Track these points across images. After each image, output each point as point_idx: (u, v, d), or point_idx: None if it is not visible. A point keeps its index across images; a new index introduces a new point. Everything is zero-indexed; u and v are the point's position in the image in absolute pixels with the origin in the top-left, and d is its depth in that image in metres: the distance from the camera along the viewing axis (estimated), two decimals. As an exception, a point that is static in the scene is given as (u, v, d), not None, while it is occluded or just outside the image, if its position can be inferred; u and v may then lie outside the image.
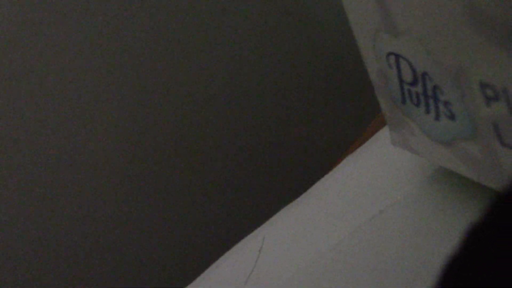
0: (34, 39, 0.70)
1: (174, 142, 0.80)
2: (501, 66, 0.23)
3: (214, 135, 0.82)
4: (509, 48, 0.22)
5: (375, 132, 0.56)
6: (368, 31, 0.30)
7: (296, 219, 0.38)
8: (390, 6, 0.27)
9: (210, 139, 0.82)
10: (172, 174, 0.80)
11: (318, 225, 0.36)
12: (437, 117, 0.29)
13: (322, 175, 0.85)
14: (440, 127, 0.29)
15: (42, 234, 0.75)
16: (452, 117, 0.28)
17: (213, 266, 0.39)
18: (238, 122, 0.83)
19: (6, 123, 0.70)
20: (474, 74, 0.25)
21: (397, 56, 0.29)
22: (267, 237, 0.38)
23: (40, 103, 0.71)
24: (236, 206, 0.86)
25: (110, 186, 0.78)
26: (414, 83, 0.29)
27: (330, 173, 0.40)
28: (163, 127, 0.79)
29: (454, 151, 0.29)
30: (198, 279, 0.39)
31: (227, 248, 0.80)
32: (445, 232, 0.31)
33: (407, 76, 0.29)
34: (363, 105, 0.91)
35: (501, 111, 0.25)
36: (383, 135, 0.39)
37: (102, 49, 0.74)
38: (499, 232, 0.22)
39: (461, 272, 0.21)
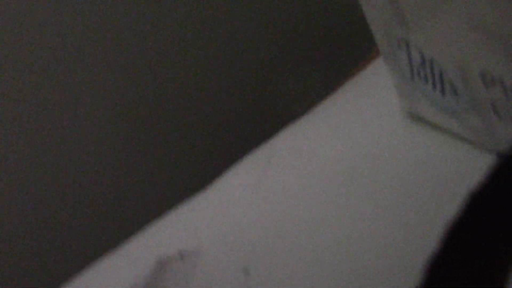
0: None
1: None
2: (498, 62, 0.29)
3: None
4: (506, 49, 0.28)
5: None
6: (381, 22, 0.35)
7: (303, 135, 0.42)
8: (401, 4, 0.32)
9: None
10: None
11: (323, 142, 0.41)
12: (443, 94, 0.34)
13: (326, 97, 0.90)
14: (446, 101, 0.34)
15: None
16: (456, 93, 0.33)
17: (222, 177, 0.43)
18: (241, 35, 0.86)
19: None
20: (475, 65, 0.30)
21: (407, 42, 0.34)
22: (274, 149, 0.42)
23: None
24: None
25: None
26: (422, 65, 0.34)
27: (334, 94, 0.45)
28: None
29: (458, 120, 0.35)
30: (210, 188, 0.42)
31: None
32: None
33: (416, 59, 0.35)
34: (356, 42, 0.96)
35: (497, 95, 0.30)
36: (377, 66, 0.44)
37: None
38: (497, 200, 0.26)
39: (460, 238, 0.25)
